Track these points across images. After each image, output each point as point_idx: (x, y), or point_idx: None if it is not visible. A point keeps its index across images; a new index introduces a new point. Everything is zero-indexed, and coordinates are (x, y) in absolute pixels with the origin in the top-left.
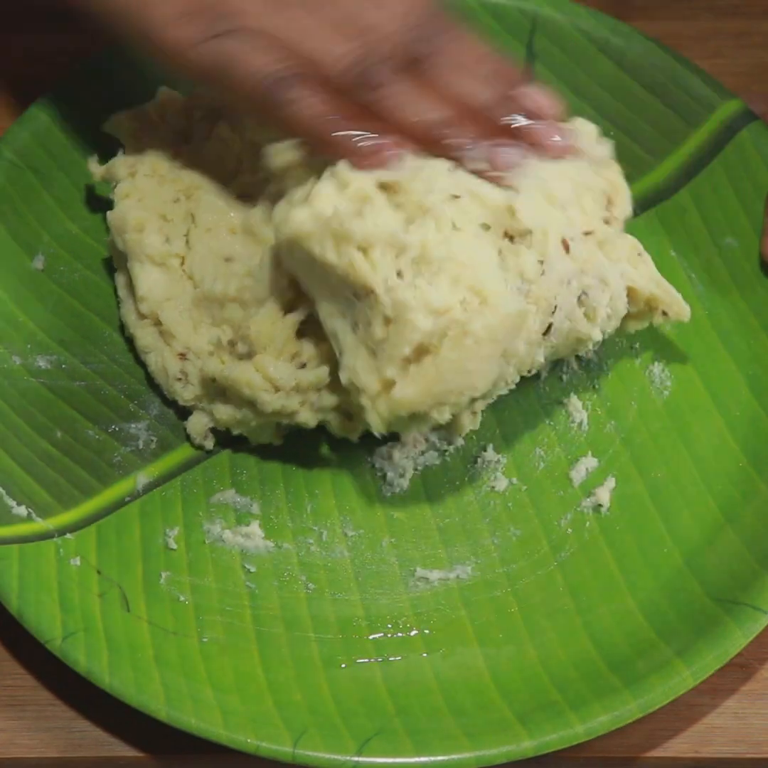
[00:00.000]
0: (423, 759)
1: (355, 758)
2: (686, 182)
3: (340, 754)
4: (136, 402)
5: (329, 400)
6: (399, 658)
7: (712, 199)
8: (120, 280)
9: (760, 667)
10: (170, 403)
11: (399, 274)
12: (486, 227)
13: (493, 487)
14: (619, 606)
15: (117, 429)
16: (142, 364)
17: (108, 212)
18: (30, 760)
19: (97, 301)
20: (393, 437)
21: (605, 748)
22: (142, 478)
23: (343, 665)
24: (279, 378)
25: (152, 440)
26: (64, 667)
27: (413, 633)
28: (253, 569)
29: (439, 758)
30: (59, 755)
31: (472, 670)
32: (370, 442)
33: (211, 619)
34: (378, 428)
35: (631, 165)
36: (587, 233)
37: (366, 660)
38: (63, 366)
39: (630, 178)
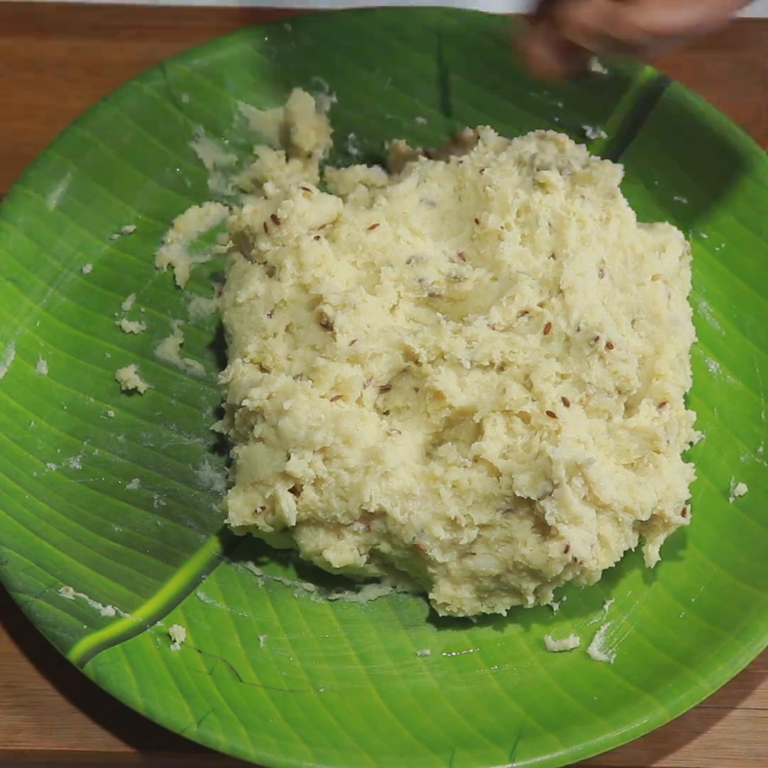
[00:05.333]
0: (572, 749)
1: (512, 765)
2: (621, 154)
3: (497, 764)
4: (179, 480)
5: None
6: (509, 665)
7: (650, 164)
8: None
9: None
10: (216, 470)
11: None
12: None
13: None
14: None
15: (169, 508)
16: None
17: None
18: (41, 751)
19: (107, 392)
20: None
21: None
22: (210, 551)
23: (459, 682)
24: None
25: (211, 510)
26: (75, 675)
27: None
28: (345, 612)
29: (587, 744)
30: (70, 749)
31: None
32: None
33: (320, 668)
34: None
35: None
36: None
37: (480, 671)
38: (95, 461)
39: None
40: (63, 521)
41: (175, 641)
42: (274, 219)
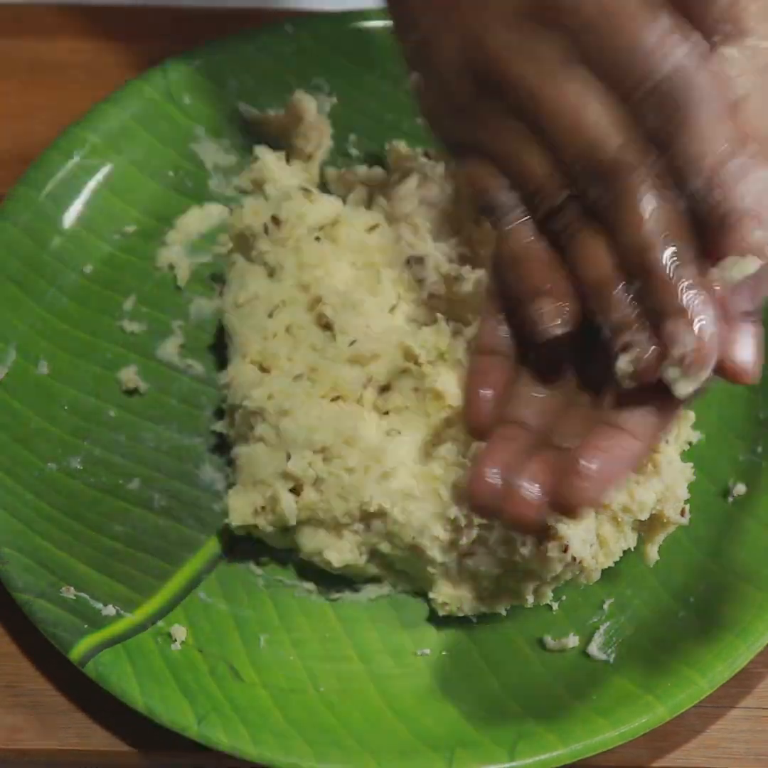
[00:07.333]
0: (572, 748)
1: (511, 764)
2: None
3: (496, 764)
4: (179, 480)
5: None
6: (509, 664)
7: None
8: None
9: None
10: (217, 470)
11: None
12: None
13: None
14: None
15: (170, 508)
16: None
17: None
18: (42, 750)
19: (108, 392)
20: None
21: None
22: (211, 551)
23: (459, 682)
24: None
25: (212, 510)
26: (76, 675)
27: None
28: (345, 612)
29: (586, 743)
30: (71, 748)
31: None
32: None
33: (320, 668)
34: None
35: None
36: None
37: (480, 671)
38: (96, 461)
39: None
40: (64, 521)
41: (175, 641)
42: (275, 220)
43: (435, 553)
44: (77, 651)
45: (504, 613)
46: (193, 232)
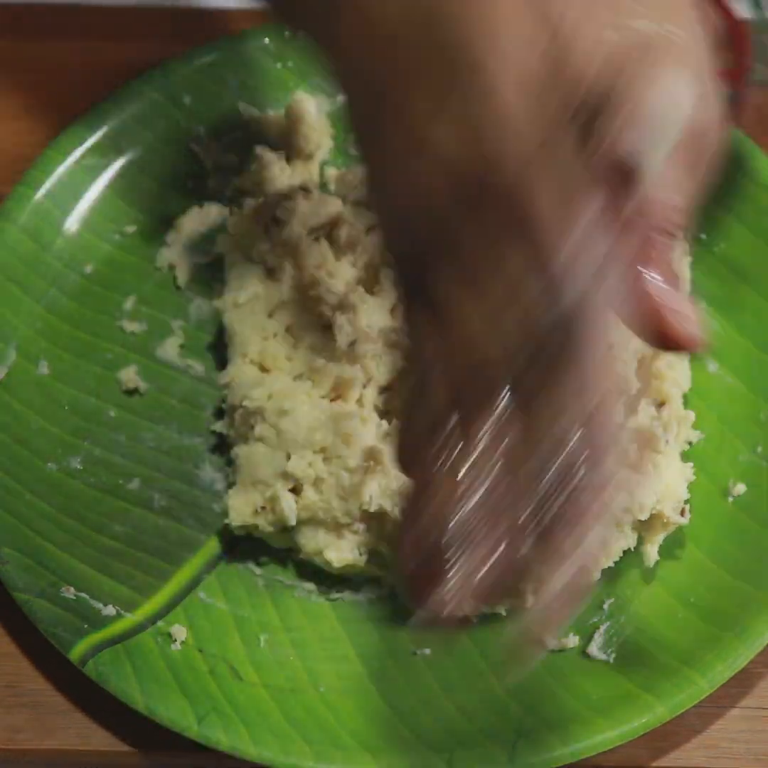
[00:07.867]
0: (572, 748)
1: (512, 764)
2: None
3: (496, 764)
4: (179, 480)
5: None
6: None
7: None
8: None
9: None
10: (217, 470)
11: None
12: None
13: None
14: None
15: (170, 508)
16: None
17: None
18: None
19: (108, 393)
20: None
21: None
22: (211, 551)
23: (459, 682)
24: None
25: (212, 510)
26: (76, 675)
27: None
28: (345, 612)
29: (586, 743)
30: (71, 748)
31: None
32: None
33: (320, 667)
34: None
35: None
36: None
37: (480, 671)
38: (96, 461)
39: None
40: (64, 521)
41: (175, 641)
42: (275, 220)
43: None
44: (77, 651)
45: (504, 613)
46: (193, 232)
